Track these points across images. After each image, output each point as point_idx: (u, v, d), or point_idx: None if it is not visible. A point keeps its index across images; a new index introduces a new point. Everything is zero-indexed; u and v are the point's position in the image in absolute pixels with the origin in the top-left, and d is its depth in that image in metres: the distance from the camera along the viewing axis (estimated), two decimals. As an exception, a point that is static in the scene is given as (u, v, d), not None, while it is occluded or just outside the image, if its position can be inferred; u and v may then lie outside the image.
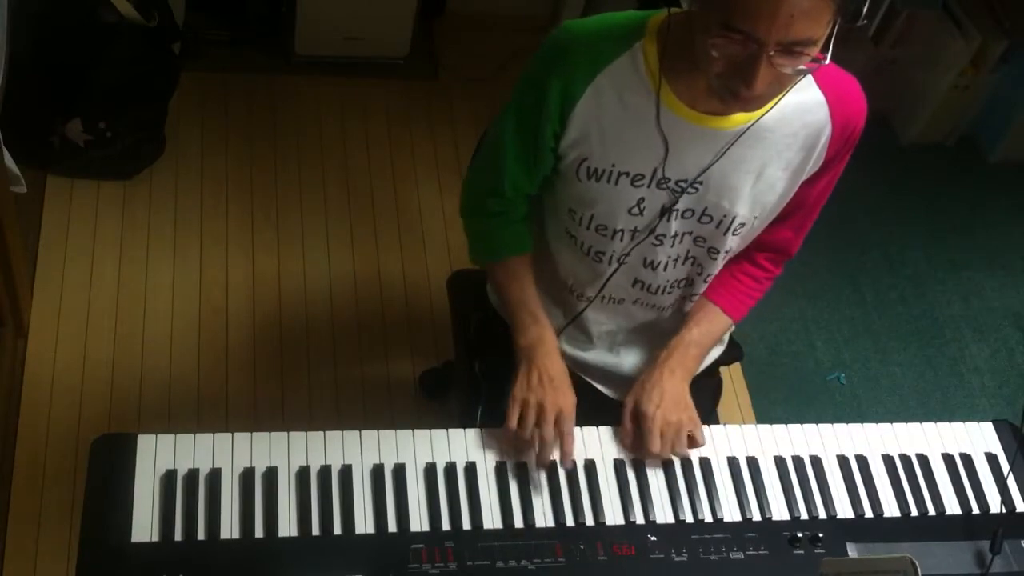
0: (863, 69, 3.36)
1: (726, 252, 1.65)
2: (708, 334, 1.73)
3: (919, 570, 1.41)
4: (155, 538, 1.42)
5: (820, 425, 1.69)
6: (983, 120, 3.51)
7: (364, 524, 1.47)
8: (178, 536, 1.43)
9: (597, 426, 1.63)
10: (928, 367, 2.97)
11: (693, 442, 1.62)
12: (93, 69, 2.67)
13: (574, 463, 1.58)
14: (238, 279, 2.75)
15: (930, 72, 3.39)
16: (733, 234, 1.61)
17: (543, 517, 1.52)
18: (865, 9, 1.31)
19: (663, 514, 1.55)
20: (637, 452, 1.61)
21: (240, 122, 3.09)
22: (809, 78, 1.45)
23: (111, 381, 2.51)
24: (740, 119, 1.49)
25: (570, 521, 1.52)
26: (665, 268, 1.68)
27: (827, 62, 1.34)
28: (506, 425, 1.58)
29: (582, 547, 1.49)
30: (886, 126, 3.57)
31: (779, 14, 1.25)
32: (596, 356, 1.83)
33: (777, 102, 1.47)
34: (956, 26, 3.31)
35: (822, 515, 1.59)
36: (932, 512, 1.63)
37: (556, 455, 1.58)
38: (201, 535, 1.43)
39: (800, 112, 1.51)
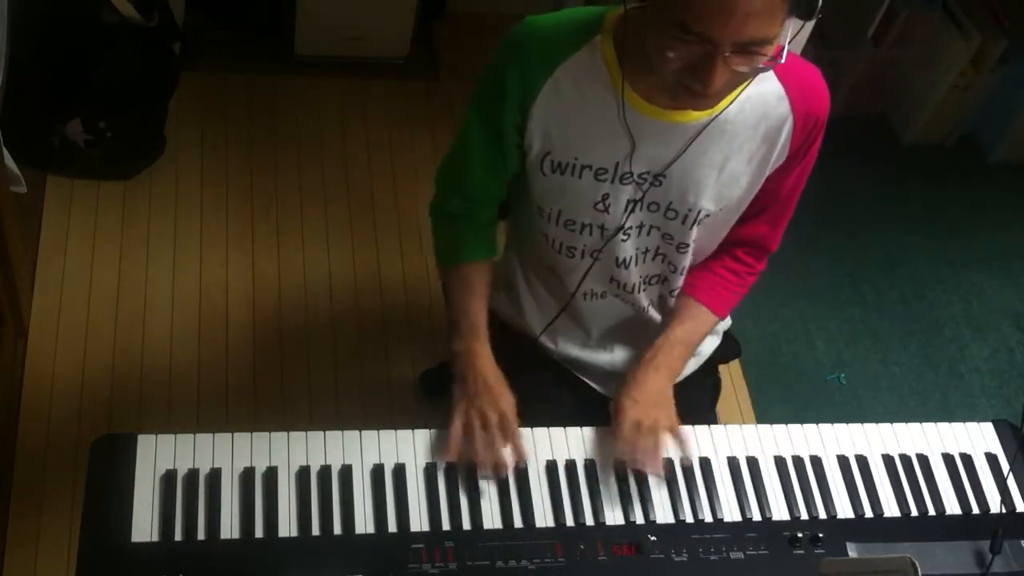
0: (863, 69, 3.38)
1: (694, 244, 1.65)
2: (693, 331, 1.72)
3: (919, 570, 1.41)
4: (155, 538, 1.42)
5: (820, 425, 1.69)
6: (983, 120, 3.51)
7: (364, 524, 1.47)
8: (178, 536, 1.43)
9: (597, 426, 1.63)
10: (928, 367, 2.97)
11: (679, 440, 1.60)
12: (93, 69, 2.67)
13: (527, 463, 1.56)
14: (238, 279, 2.75)
15: (930, 72, 3.39)
16: (698, 225, 1.61)
17: (543, 517, 1.52)
18: (820, 4, 1.30)
19: (663, 514, 1.55)
20: (619, 450, 1.59)
21: (240, 122, 3.09)
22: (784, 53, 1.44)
23: (111, 381, 2.51)
24: (700, 113, 1.49)
25: (570, 521, 1.52)
26: (636, 263, 1.68)
27: (783, 60, 1.34)
28: (450, 433, 1.56)
29: (582, 547, 1.49)
30: (886, 126, 3.57)
31: (733, 15, 1.25)
32: (592, 355, 1.84)
33: (737, 96, 1.47)
34: (956, 26, 3.31)
35: (822, 515, 1.59)
36: (932, 512, 1.63)
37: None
38: (201, 535, 1.43)
39: (760, 104, 1.52)
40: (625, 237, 1.63)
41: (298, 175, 3.01)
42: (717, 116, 1.50)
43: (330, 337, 2.69)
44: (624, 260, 1.66)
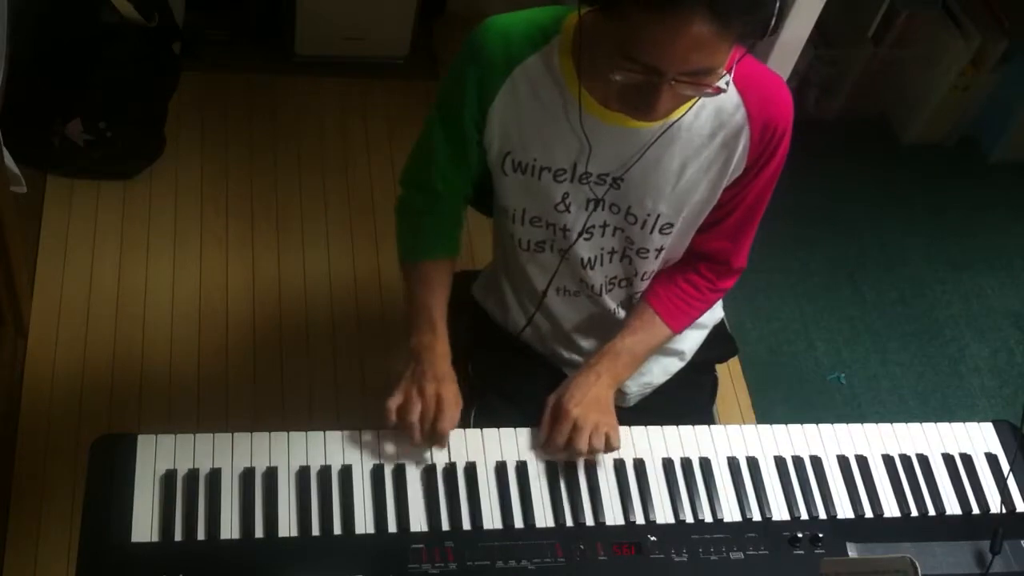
0: (863, 69, 3.38)
1: (657, 251, 1.65)
2: (642, 342, 1.70)
3: (919, 570, 1.41)
4: (155, 538, 1.42)
5: (820, 425, 1.69)
6: (983, 120, 3.51)
7: (364, 524, 1.47)
8: (178, 536, 1.43)
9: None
10: (928, 367, 2.97)
11: (609, 445, 1.59)
12: (93, 69, 2.67)
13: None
14: (238, 279, 2.75)
15: (930, 72, 3.39)
16: (661, 233, 1.61)
17: (543, 517, 1.52)
18: (773, 24, 1.30)
19: (663, 514, 1.55)
20: (546, 448, 1.58)
21: (240, 122, 3.09)
22: (728, 79, 1.42)
23: (111, 381, 2.51)
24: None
25: (570, 521, 1.52)
26: (601, 263, 1.68)
27: (727, 90, 1.34)
28: (387, 405, 1.58)
29: (582, 547, 1.49)
30: (886, 126, 3.57)
31: (677, 48, 1.26)
32: (575, 354, 1.84)
33: (693, 104, 1.47)
34: (956, 26, 3.31)
35: (822, 515, 1.59)
36: (932, 512, 1.63)
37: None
38: (201, 535, 1.43)
39: (717, 113, 1.51)
40: (588, 236, 1.63)
41: (298, 175, 3.01)
42: (673, 123, 1.49)
43: (330, 337, 2.69)
44: (588, 260, 1.67)
